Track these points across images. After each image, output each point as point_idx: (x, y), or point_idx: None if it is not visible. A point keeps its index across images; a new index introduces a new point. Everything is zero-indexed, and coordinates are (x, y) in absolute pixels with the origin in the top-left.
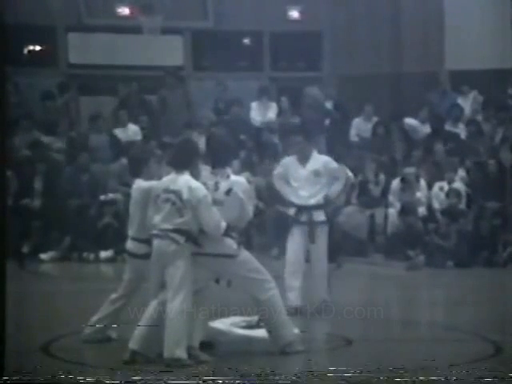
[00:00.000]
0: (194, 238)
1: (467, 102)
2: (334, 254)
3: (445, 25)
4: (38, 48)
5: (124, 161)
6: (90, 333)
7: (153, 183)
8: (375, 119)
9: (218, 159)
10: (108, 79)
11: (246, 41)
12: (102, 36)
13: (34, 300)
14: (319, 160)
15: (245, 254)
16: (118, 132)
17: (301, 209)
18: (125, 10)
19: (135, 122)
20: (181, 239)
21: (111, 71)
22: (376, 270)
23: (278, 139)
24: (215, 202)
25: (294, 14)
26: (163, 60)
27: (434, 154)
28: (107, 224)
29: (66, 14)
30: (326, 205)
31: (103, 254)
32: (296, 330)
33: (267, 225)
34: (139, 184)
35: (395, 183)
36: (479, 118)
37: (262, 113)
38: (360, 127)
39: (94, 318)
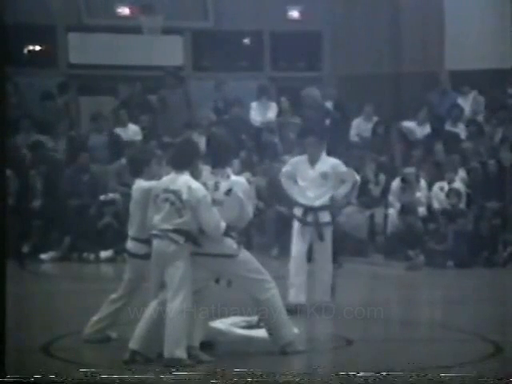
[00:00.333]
0: (194, 238)
1: (467, 102)
2: (334, 253)
3: (445, 25)
4: (37, 48)
5: (124, 161)
6: (90, 333)
7: (152, 183)
8: (375, 119)
9: (218, 159)
10: (108, 79)
11: (246, 41)
12: (102, 36)
13: (34, 300)
14: (328, 162)
15: (245, 254)
16: (119, 132)
17: (307, 209)
18: (125, 10)
19: (135, 121)
20: (180, 239)
21: (111, 71)
22: (376, 270)
23: (277, 139)
24: (215, 202)
25: (294, 13)
26: (163, 60)
27: (434, 154)
28: (107, 224)
29: (66, 14)
30: (331, 206)
31: (103, 254)
32: (296, 330)
33: (267, 225)
34: (139, 184)
35: (395, 183)
36: (480, 118)
37: (261, 113)
38: (360, 127)
39: (94, 318)
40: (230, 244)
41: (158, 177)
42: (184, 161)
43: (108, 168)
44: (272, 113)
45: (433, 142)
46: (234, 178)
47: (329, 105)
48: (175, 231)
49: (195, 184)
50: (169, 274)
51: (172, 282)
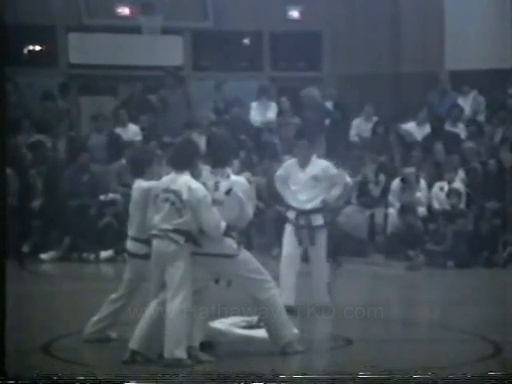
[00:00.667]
0: (194, 238)
1: (467, 102)
2: (334, 253)
3: (445, 25)
4: (37, 48)
5: (124, 161)
6: (90, 333)
7: (152, 183)
8: (375, 119)
9: (218, 159)
10: (108, 79)
11: (246, 41)
12: (102, 36)
13: (34, 300)
14: (319, 165)
15: (245, 254)
16: (119, 132)
17: (299, 212)
18: (125, 10)
19: (135, 122)
20: (180, 239)
21: (111, 71)
22: (376, 270)
23: (278, 139)
24: (215, 202)
25: (294, 13)
26: (163, 60)
27: (434, 154)
28: (107, 224)
29: (66, 14)
30: (323, 209)
31: (103, 254)
32: (296, 330)
33: (267, 225)
34: (139, 184)
35: (395, 183)
36: (480, 118)
37: (261, 113)
38: (360, 127)
39: (94, 318)
40: (230, 244)
41: (158, 177)
42: (184, 161)
43: (108, 168)
44: (272, 113)
45: (433, 142)
46: (233, 177)
47: (329, 105)
48: (175, 231)
49: (195, 184)
50: (169, 273)
51: (172, 282)
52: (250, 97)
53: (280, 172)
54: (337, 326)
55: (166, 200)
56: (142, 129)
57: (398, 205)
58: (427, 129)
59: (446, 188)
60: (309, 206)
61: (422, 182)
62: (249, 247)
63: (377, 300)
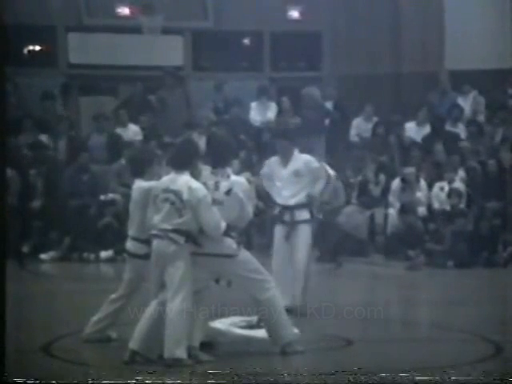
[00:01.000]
0: (194, 238)
1: (467, 102)
2: (334, 253)
3: (445, 25)
4: (37, 48)
5: (124, 161)
6: (90, 333)
7: (152, 183)
8: (375, 119)
9: (219, 159)
10: (108, 79)
11: (246, 41)
12: (102, 36)
13: (34, 300)
14: (300, 160)
15: (245, 254)
16: (119, 132)
17: (283, 208)
18: (125, 10)
19: (135, 122)
20: (180, 239)
21: (111, 71)
22: (376, 270)
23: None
24: (215, 202)
25: (294, 13)
26: (163, 60)
27: (434, 154)
28: (107, 224)
29: (66, 14)
30: (309, 204)
31: (103, 254)
32: (296, 330)
33: (267, 225)
34: (139, 184)
35: (395, 183)
36: (480, 118)
37: (261, 113)
38: (360, 127)
39: (94, 318)
40: (230, 244)
41: (158, 177)
42: (184, 161)
43: (108, 168)
44: (272, 113)
45: (433, 142)
46: (234, 177)
47: (329, 105)
48: (175, 231)
49: (195, 184)
50: (169, 274)
51: (172, 282)
52: (250, 97)
53: (264, 170)
54: (337, 326)
55: (166, 200)
56: (142, 129)
57: (397, 205)
58: (427, 129)
59: (447, 188)
60: (292, 202)
61: (422, 182)
62: (249, 247)
63: (377, 300)
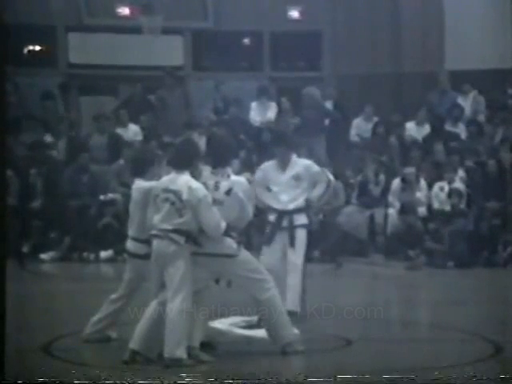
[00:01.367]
0: (194, 238)
1: (467, 102)
2: (334, 253)
3: (445, 25)
4: (37, 48)
5: (124, 161)
6: (90, 333)
7: (152, 183)
8: (375, 119)
9: (219, 159)
10: (108, 79)
11: (246, 41)
12: (102, 36)
13: (34, 300)
14: (299, 164)
15: (245, 254)
16: (119, 132)
17: (281, 214)
18: (125, 10)
19: (136, 122)
20: (180, 239)
21: (111, 71)
22: (376, 270)
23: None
24: (215, 202)
25: (294, 13)
26: (163, 60)
27: (434, 154)
28: (107, 224)
29: (66, 14)
30: (307, 208)
31: (103, 254)
32: (296, 330)
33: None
34: (139, 184)
35: (395, 183)
36: (480, 118)
37: (261, 113)
38: (360, 127)
39: (94, 318)
40: (230, 244)
41: (158, 177)
42: (184, 161)
43: (108, 168)
44: (272, 113)
45: (433, 142)
46: (234, 177)
47: (329, 105)
48: (175, 231)
49: (195, 184)
50: (169, 274)
51: (172, 282)
52: (250, 97)
53: (258, 175)
54: (337, 326)
55: (166, 200)
56: (142, 129)
57: (398, 205)
58: (427, 129)
59: (447, 188)
60: (291, 206)
61: (422, 182)
62: (249, 247)
63: (377, 300)
